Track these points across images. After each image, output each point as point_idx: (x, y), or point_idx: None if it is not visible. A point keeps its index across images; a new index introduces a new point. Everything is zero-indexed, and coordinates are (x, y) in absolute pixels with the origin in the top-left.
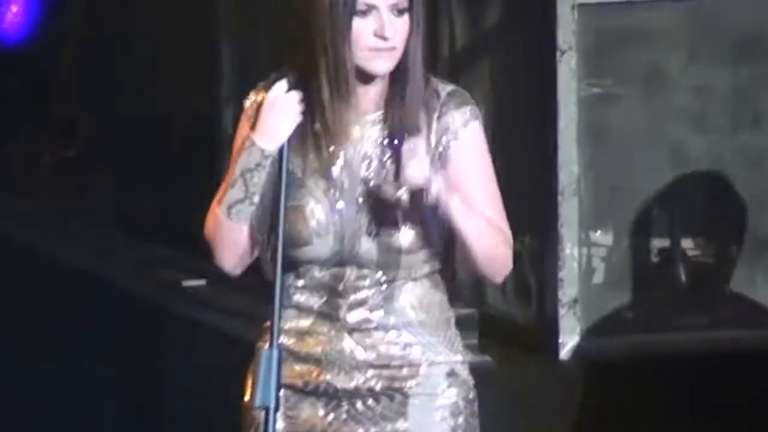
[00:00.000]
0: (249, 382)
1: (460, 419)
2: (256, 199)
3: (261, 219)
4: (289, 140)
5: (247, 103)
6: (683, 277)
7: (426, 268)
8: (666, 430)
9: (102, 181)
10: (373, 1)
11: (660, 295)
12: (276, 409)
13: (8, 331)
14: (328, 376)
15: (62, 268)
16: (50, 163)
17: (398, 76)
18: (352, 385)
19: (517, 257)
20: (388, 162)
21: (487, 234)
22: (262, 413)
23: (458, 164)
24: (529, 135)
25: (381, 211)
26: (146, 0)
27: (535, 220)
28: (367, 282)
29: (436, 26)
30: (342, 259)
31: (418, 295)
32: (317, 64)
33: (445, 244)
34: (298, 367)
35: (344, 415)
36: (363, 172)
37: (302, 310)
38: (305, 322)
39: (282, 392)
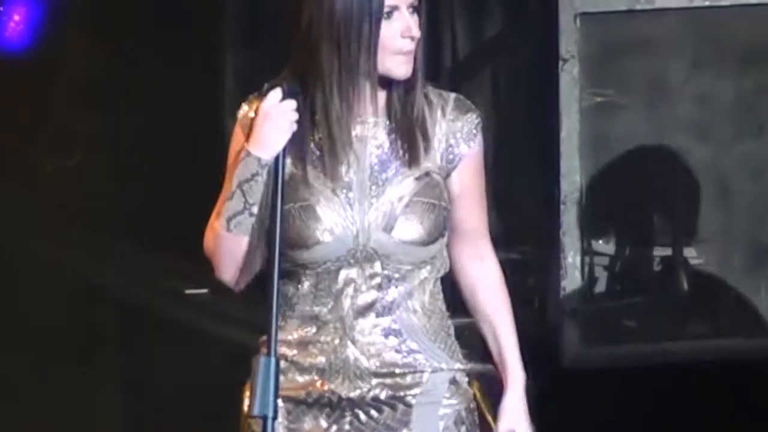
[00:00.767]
0: (248, 392)
1: (463, 429)
2: (255, 209)
3: (261, 228)
4: (291, 145)
5: (240, 114)
6: (685, 286)
7: (431, 268)
8: None
9: (103, 189)
10: (396, 2)
11: (662, 304)
12: (274, 418)
13: (9, 339)
14: (332, 386)
15: (64, 277)
16: (51, 172)
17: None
18: (357, 394)
19: (519, 265)
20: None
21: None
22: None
23: (464, 172)
24: (531, 144)
25: (395, 205)
26: (150, 10)
27: (537, 229)
28: (377, 282)
29: (438, 36)
30: (354, 257)
31: (421, 301)
32: (328, 69)
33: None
34: (301, 379)
35: (347, 427)
36: (373, 168)
37: (305, 318)
38: (308, 331)
39: (284, 405)
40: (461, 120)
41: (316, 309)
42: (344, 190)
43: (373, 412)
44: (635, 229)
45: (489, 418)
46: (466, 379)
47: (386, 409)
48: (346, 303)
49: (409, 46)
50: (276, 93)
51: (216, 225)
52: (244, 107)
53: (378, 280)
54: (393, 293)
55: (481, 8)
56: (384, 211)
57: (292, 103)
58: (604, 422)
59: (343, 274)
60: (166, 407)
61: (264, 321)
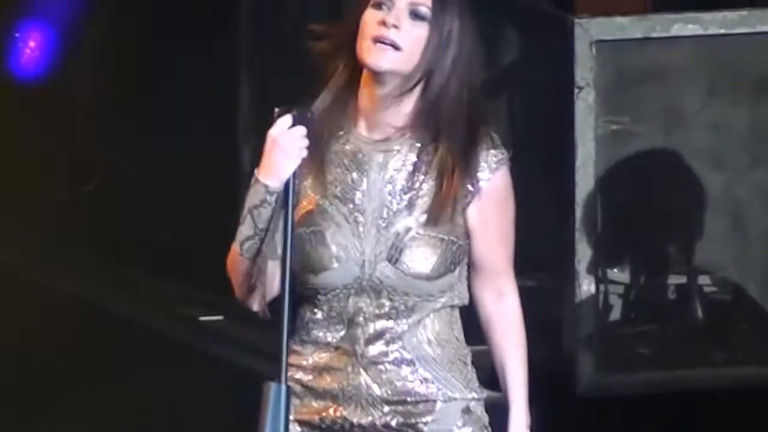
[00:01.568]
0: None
1: None
2: (265, 235)
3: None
4: (309, 168)
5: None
6: (700, 314)
7: (444, 300)
8: None
9: (120, 216)
10: None
11: (676, 332)
12: None
13: (25, 364)
14: (345, 412)
15: (76, 304)
16: (68, 199)
17: (426, 98)
18: (369, 421)
19: (534, 293)
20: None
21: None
22: None
23: (484, 207)
24: (546, 172)
25: (401, 237)
26: (166, 36)
27: (552, 257)
28: (385, 311)
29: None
30: (361, 285)
31: (435, 331)
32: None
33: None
34: (315, 404)
35: None
36: (385, 198)
37: (320, 344)
38: (323, 357)
39: (299, 429)
40: (484, 153)
41: (330, 335)
42: (357, 217)
43: None
44: (650, 257)
45: None
46: (481, 408)
47: None
48: (358, 330)
49: (382, 32)
50: (285, 119)
51: (234, 248)
52: None
53: (386, 309)
54: (403, 323)
55: (497, 36)
56: (391, 242)
57: (301, 130)
58: None
59: (353, 301)
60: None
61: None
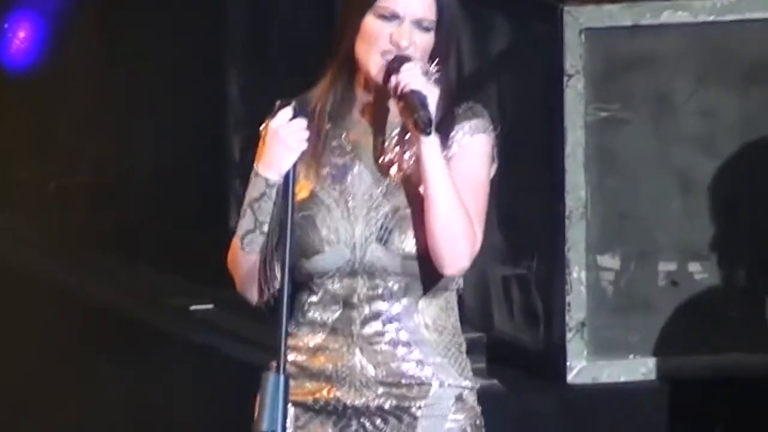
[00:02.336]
0: (257, 405)
1: None
2: (266, 228)
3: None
4: (302, 154)
5: (262, 128)
6: (690, 301)
7: (439, 281)
8: None
9: (107, 207)
10: (398, 11)
11: (667, 319)
12: None
13: (12, 357)
14: (339, 393)
15: (68, 295)
16: (55, 190)
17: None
18: (362, 402)
19: (524, 281)
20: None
21: (456, 206)
22: None
23: (454, 167)
24: (536, 159)
25: (390, 218)
26: (153, 28)
27: (543, 244)
28: (380, 292)
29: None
30: (354, 268)
31: (432, 316)
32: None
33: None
34: (309, 384)
35: None
36: (375, 180)
37: (316, 325)
38: (318, 338)
39: (293, 410)
40: (462, 125)
41: (326, 316)
42: (347, 200)
43: (379, 422)
44: (640, 244)
45: None
46: (474, 397)
47: (392, 420)
48: (354, 311)
49: (392, 50)
50: (286, 112)
51: (234, 242)
52: (267, 121)
53: (380, 291)
54: (398, 305)
55: (486, 24)
56: (381, 223)
57: (301, 122)
58: None
59: (347, 283)
60: (173, 423)
61: (273, 334)
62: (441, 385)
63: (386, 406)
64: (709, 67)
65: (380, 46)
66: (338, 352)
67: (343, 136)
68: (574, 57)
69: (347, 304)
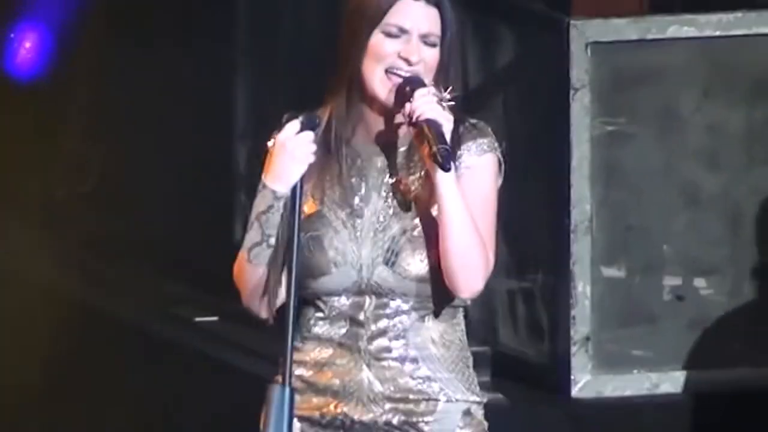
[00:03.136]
0: (263, 418)
1: None
2: (273, 241)
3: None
4: (309, 174)
5: (270, 144)
6: (695, 315)
7: (446, 301)
8: None
9: (115, 217)
10: (405, 26)
11: (672, 333)
12: None
13: (18, 366)
14: (346, 408)
15: (73, 304)
16: (63, 199)
17: None
18: (370, 418)
19: (529, 294)
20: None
21: (471, 234)
22: None
23: (463, 188)
24: (542, 172)
25: (397, 240)
26: (160, 34)
27: (548, 258)
28: (387, 311)
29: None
30: (360, 288)
31: (439, 331)
32: (338, 84)
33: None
34: (315, 399)
35: None
36: (382, 201)
37: (322, 341)
38: (325, 353)
39: (299, 425)
40: (468, 145)
41: (332, 332)
42: (355, 221)
43: None
44: (645, 258)
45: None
46: (482, 412)
47: None
48: (361, 327)
49: (403, 66)
50: (293, 125)
51: (241, 254)
52: (274, 136)
53: (388, 310)
54: (406, 322)
55: (493, 37)
56: (388, 245)
57: (309, 135)
58: None
59: (355, 301)
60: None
61: (277, 347)
62: (449, 400)
63: (394, 422)
64: (715, 81)
65: (388, 63)
66: (345, 368)
67: (351, 155)
68: (580, 71)
69: (354, 320)
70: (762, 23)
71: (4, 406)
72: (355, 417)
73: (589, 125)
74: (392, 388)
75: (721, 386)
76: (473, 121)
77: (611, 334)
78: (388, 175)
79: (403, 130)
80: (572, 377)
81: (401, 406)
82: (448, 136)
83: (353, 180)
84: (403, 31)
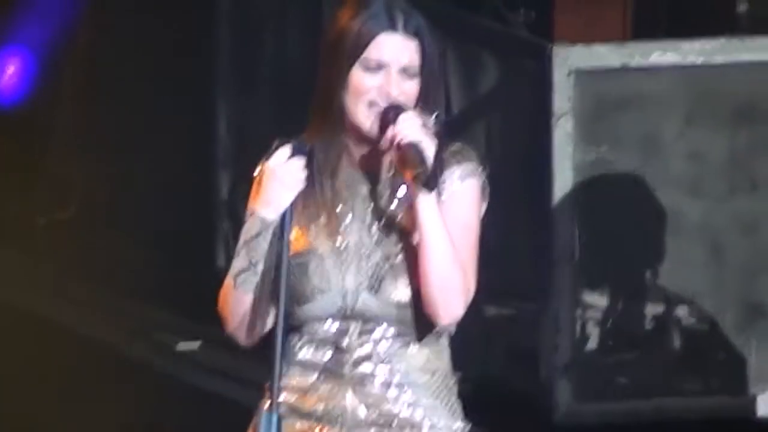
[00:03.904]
0: None
1: None
2: (260, 267)
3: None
4: (295, 202)
5: (257, 173)
6: (677, 343)
7: (430, 327)
8: None
9: (97, 242)
10: (384, 60)
11: (654, 361)
12: None
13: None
14: None
15: (55, 330)
16: (45, 224)
17: None
18: None
19: (512, 321)
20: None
21: (451, 260)
22: None
23: (446, 213)
24: (524, 199)
25: (381, 266)
26: (143, 61)
27: (531, 285)
28: (372, 337)
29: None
30: (345, 315)
31: (423, 357)
32: (320, 116)
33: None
34: (299, 425)
35: None
36: (368, 229)
37: (306, 366)
38: (308, 379)
39: None
40: (452, 170)
41: (317, 357)
42: (340, 249)
43: None
44: (627, 286)
45: None
46: None
47: None
48: (345, 353)
49: (381, 102)
50: (283, 151)
51: (227, 281)
52: (261, 164)
53: (372, 336)
54: (389, 348)
55: (475, 63)
56: (372, 272)
57: (299, 162)
58: None
59: (340, 327)
60: None
61: (261, 372)
62: (432, 426)
63: None
64: (698, 108)
65: (369, 98)
66: (329, 393)
67: (335, 184)
68: (562, 97)
69: (338, 346)
70: (745, 50)
71: None
72: None
73: (572, 152)
74: (376, 414)
75: (702, 414)
76: (457, 145)
77: (593, 362)
78: (372, 203)
79: (386, 159)
80: (555, 404)
81: (385, 431)
82: (431, 159)
83: (338, 208)
84: (382, 65)
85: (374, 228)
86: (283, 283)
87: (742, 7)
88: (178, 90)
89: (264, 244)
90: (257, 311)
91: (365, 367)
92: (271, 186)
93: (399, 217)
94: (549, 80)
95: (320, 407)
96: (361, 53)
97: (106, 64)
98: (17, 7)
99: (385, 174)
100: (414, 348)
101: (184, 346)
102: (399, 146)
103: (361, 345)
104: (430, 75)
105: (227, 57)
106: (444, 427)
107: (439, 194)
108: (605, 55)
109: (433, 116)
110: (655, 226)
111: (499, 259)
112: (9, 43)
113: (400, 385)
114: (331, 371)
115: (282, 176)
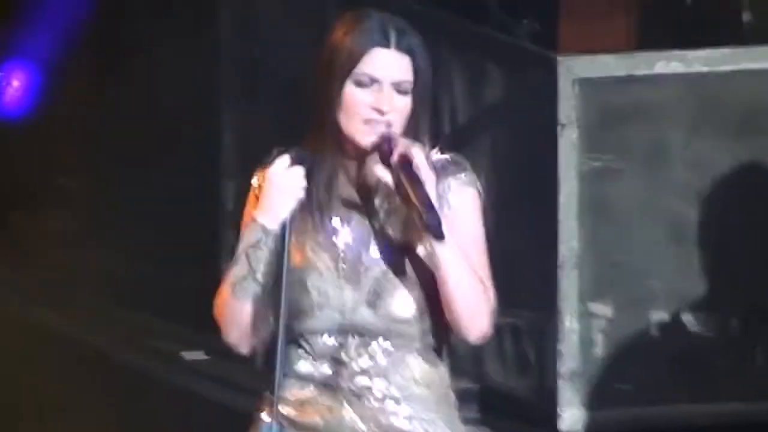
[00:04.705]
0: None
1: None
2: (260, 276)
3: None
4: (293, 214)
5: (254, 181)
6: (682, 350)
7: (429, 340)
8: None
9: (100, 252)
10: (376, 75)
11: (659, 368)
12: None
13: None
14: None
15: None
16: (48, 235)
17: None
18: None
19: (516, 330)
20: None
21: (475, 287)
22: None
23: (451, 228)
24: (530, 208)
25: (379, 281)
26: (147, 72)
27: (535, 293)
28: (370, 350)
29: (436, 101)
30: (344, 329)
31: (421, 370)
32: (316, 131)
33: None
34: None
35: None
36: (365, 243)
37: (304, 379)
38: (306, 392)
39: None
40: (448, 182)
41: (315, 370)
42: (338, 263)
43: None
44: (633, 294)
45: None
46: None
47: None
48: (343, 366)
49: (375, 117)
50: (284, 160)
51: (224, 288)
52: (259, 173)
53: (370, 349)
54: (387, 361)
55: (480, 74)
56: (370, 287)
57: (299, 170)
58: None
59: (338, 341)
60: None
61: (267, 383)
62: None
63: None
64: (703, 117)
65: (363, 114)
66: (327, 406)
67: (332, 199)
68: (567, 107)
69: (336, 359)
70: (750, 59)
71: None
72: None
73: (577, 161)
74: (374, 427)
75: (707, 421)
76: (450, 155)
77: (598, 369)
78: (369, 218)
79: (382, 173)
80: (559, 412)
81: None
82: (433, 196)
83: (335, 223)
84: (374, 80)
85: (372, 242)
86: (284, 295)
87: (746, 17)
88: (183, 101)
89: (264, 252)
90: (255, 320)
91: (362, 380)
92: (272, 194)
93: (397, 232)
94: (554, 90)
95: (318, 420)
96: (354, 68)
97: (110, 77)
98: (22, 20)
99: (382, 189)
100: (412, 361)
101: (189, 355)
102: (399, 184)
103: (358, 358)
104: (422, 92)
105: (233, 68)
106: None
107: (441, 207)
108: (610, 65)
109: (436, 149)
110: (661, 234)
111: (503, 268)
112: (13, 56)
113: (397, 399)
114: (330, 384)
115: (282, 184)
